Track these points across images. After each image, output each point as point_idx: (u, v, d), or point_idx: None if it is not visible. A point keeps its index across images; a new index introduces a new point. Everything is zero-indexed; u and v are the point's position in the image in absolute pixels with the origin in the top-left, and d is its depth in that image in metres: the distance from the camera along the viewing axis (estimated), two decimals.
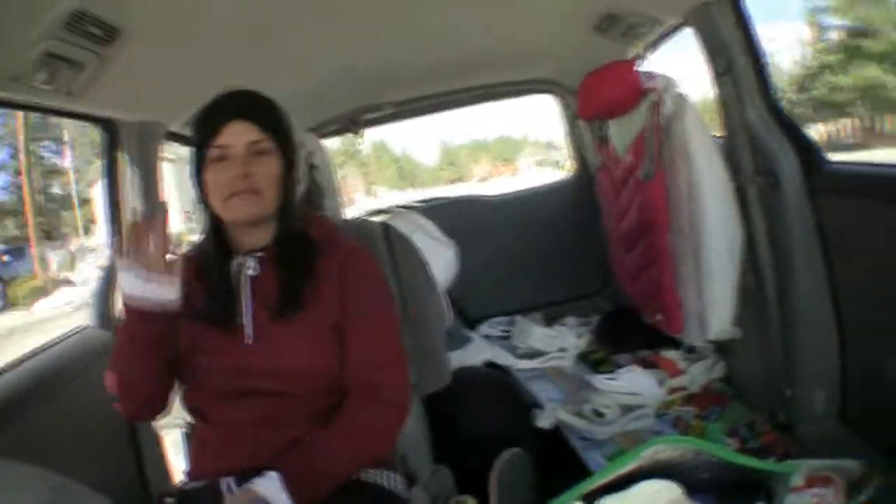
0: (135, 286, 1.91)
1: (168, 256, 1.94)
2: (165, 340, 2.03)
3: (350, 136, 5.51)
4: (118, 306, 3.09)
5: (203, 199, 2.13)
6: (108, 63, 2.52)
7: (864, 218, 2.86)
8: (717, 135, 3.47)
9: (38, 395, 2.49)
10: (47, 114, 2.81)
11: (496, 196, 5.85)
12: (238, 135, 2.05)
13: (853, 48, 26.74)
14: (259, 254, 2.17)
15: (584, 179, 5.40)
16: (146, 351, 2.01)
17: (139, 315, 1.95)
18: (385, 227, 2.84)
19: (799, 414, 3.23)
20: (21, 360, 2.64)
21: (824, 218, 3.04)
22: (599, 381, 4.01)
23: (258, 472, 1.95)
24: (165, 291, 1.93)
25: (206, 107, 2.14)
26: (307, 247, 2.20)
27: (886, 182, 2.82)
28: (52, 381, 2.62)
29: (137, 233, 1.92)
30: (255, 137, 2.06)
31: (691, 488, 2.20)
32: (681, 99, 3.50)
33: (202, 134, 2.09)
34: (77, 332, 3.09)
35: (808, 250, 3.08)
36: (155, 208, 3.30)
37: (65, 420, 2.60)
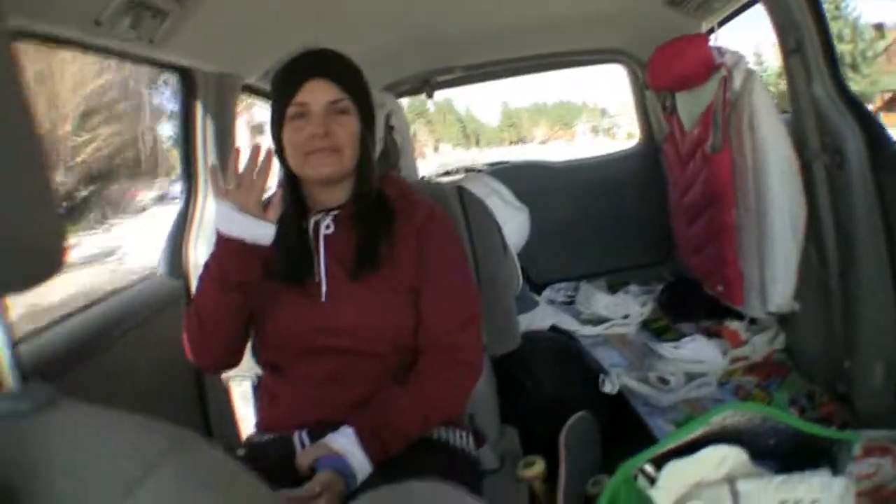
0: (234, 223, 1.98)
1: (265, 196, 2.02)
2: (252, 284, 2.08)
3: (418, 95, 5.59)
4: (189, 255, 3.22)
5: (281, 155, 2.17)
6: (189, 13, 2.57)
7: None
8: (785, 112, 3.49)
9: (105, 340, 2.54)
10: (128, 60, 2.85)
11: (563, 162, 5.88)
12: (317, 93, 2.09)
13: None
14: (335, 212, 2.21)
15: (651, 149, 5.43)
16: (233, 292, 2.06)
17: (234, 252, 2.01)
18: (460, 189, 2.86)
19: (857, 386, 3.25)
20: (91, 304, 2.69)
21: (888, 196, 3.05)
22: (664, 348, 4.06)
23: (332, 426, 2.01)
24: (263, 231, 1.99)
25: (286, 64, 2.20)
26: (384, 206, 2.23)
27: None
28: (121, 326, 2.67)
29: (242, 172, 1.99)
30: (335, 96, 2.11)
31: (756, 454, 2.23)
32: (749, 75, 3.52)
33: (282, 91, 2.14)
34: (147, 279, 3.17)
35: (871, 227, 3.09)
36: (228, 159, 3.39)
37: (131, 367, 2.67)
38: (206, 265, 2.13)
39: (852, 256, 3.19)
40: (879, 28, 24.99)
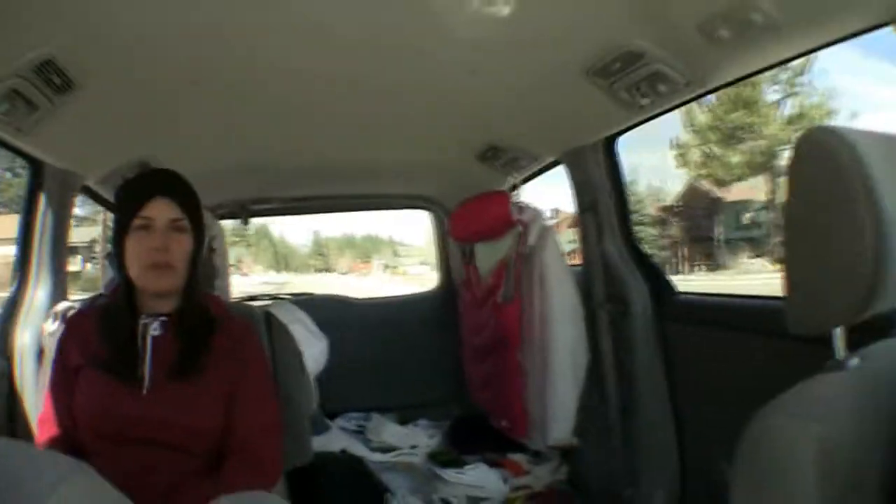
0: None
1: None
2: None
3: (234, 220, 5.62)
4: (16, 339, 3.24)
5: (119, 262, 2.32)
6: (57, 111, 2.75)
7: (705, 341, 3.13)
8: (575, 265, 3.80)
9: None
10: None
11: (364, 300, 6.04)
12: (161, 210, 2.27)
13: None
14: (163, 318, 2.34)
15: (447, 293, 5.67)
16: None
17: None
18: (268, 314, 3.03)
19: None
20: None
21: (670, 341, 3.33)
22: (448, 473, 4.25)
23: None
24: None
25: (134, 180, 2.41)
26: (207, 319, 2.41)
27: (729, 311, 3.14)
28: None
29: None
30: (176, 215, 2.29)
31: None
32: (544, 231, 3.83)
33: (128, 203, 2.30)
34: None
35: (653, 370, 3.36)
36: (60, 254, 3.45)
37: None
38: None
39: (634, 397, 3.43)
40: None
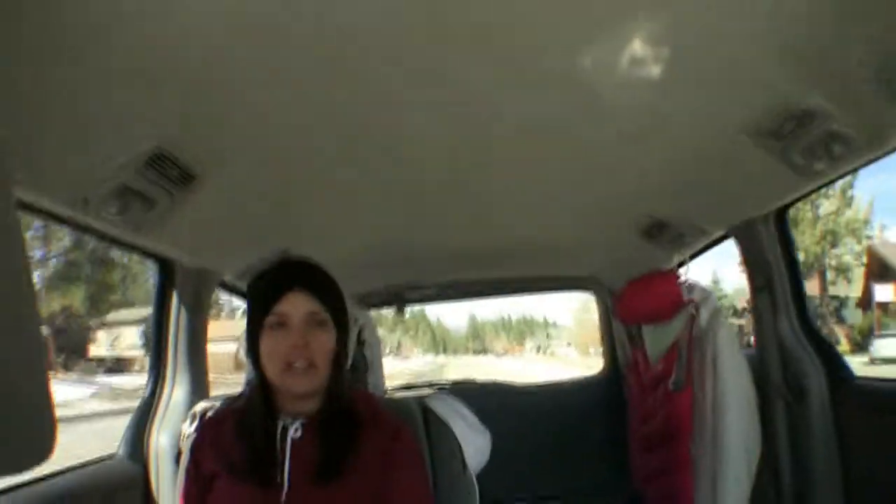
0: None
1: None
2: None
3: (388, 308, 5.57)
4: (152, 442, 3.18)
5: (256, 363, 2.17)
6: (177, 205, 2.64)
7: (887, 431, 2.88)
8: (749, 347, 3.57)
9: None
10: (109, 242, 2.86)
11: (527, 385, 5.91)
12: (298, 304, 2.10)
13: None
14: (304, 419, 2.17)
15: (614, 377, 5.48)
16: None
17: None
18: (424, 408, 2.88)
19: None
20: (44, 477, 2.62)
21: (847, 430, 3.08)
22: None
23: None
24: None
25: (266, 273, 2.23)
26: (353, 419, 2.20)
27: None
28: None
29: None
30: (314, 308, 2.12)
31: None
32: (716, 311, 3.62)
33: (261, 300, 2.14)
34: (104, 460, 3.11)
35: (829, 461, 3.11)
36: (198, 352, 3.41)
37: None
38: None
39: (809, 489, 3.19)
40: None
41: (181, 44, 1.90)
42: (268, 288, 2.17)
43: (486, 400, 4.03)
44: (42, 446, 0.75)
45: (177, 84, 2.09)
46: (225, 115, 2.31)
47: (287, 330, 2.11)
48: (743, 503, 3.40)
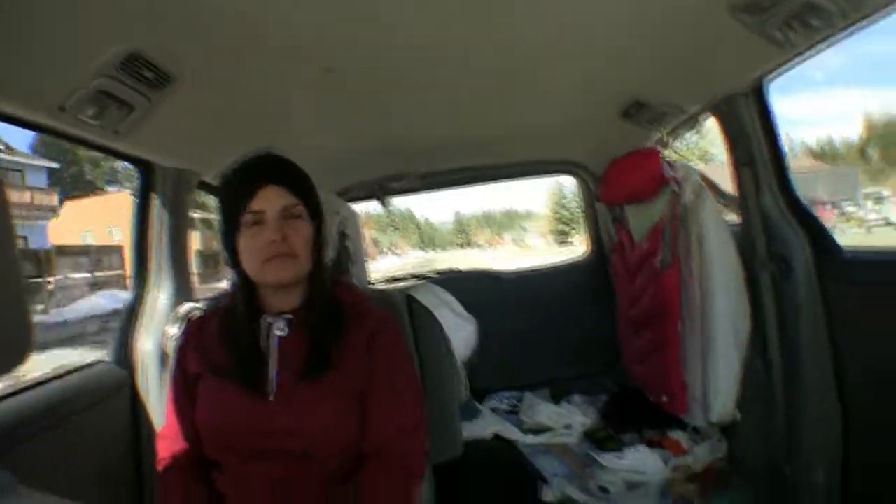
0: None
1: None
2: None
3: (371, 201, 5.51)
4: (136, 346, 3.18)
5: (235, 262, 2.17)
6: (155, 108, 2.61)
7: (874, 303, 2.89)
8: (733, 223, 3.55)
9: (45, 423, 2.49)
10: (89, 148, 2.79)
11: (511, 272, 5.90)
12: (272, 199, 2.10)
13: None
14: (288, 315, 2.18)
15: (598, 260, 5.50)
16: None
17: None
18: (409, 298, 2.85)
19: (800, 492, 3.25)
20: (33, 385, 2.64)
21: (835, 304, 3.08)
22: (605, 458, 4.06)
23: None
24: None
25: (236, 172, 2.20)
26: (336, 311, 2.22)
27: None
28: (62, 411, 2.62)
29: None
30: (288, 202, 2.12)
31: None
32: (699, 187, 3.60)
33: (234, 199, 2.13)
34: (93, 365, 3.10)
35: (817, 336, 3.11)
36: (179, 254, 3.39)
37: (69, 452, 2.60)
38: None
39: (797, 365, 3.21)
40: None
41: None
42: (240, 186, 2.15)
43: (471, 288, 4.01)
44: (20, 349, 0.81)
45: None
46: (199, 14, 2.24)
47: (263, 226, 2.10)
48: (733, 379, 3.44)
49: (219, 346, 2.16)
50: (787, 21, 2.54)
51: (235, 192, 2.15)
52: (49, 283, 33.64)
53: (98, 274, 38.42)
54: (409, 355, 2.44)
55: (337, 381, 2.11)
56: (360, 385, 2.14)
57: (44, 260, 34.17)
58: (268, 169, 2.18)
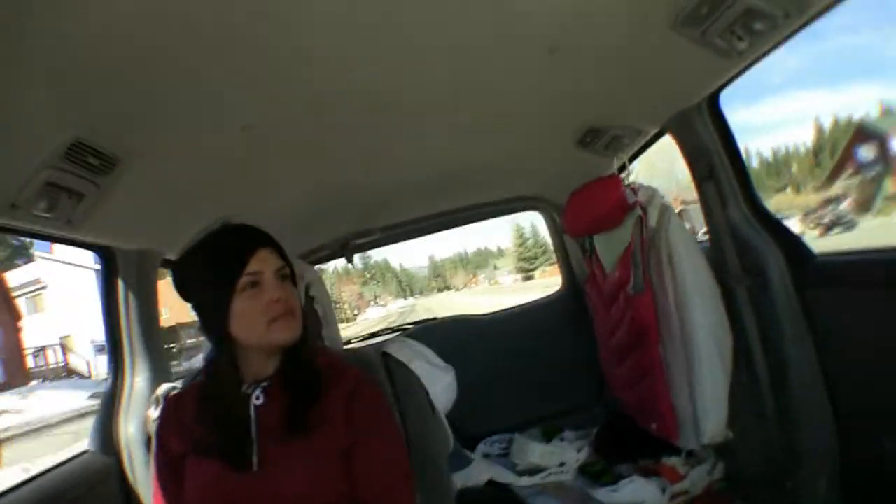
0: None
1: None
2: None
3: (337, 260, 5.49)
4: (121, 432, 3.15)
5: (223, 331, 2.11)
6: (105, 192, 2.58)
7: (853, 307, 2.89)
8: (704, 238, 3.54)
9: None
10: (47, 241, 2.83)
11: (488, 315, 5.87)
12: (268, 261, 2.10)
13: None
14: (265, 383, 2.15)
15: (573, 293, 5.47)
16: None
17: None
18: (384, 355, 2.83)
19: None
20: (21, 484, 2.62)
21: (815, 311, 3.07)
22: (602, 493, 4.02)
23: None
24: None
25: (221, 241, 2.17)
26: (313, 374, 2.19)
27: (873, 269, 2.88)
28: None
29: None
30: (280, 264, 2.13)
31: None
32: (664, 209, 3.59)
33: (227, 264, 2.09)
34: (77, 457, 3.06)
35: (800, 344, 3.10)
36: (152, 335, 3.35)
37: None
38: None
39: (785, 376, 3.18)
40: None
41: (90, 40, 1.87)
42: (232, 251, 2.13)
43: (450, 335, 4.00)
44: None
45: (87, 79, 2.05)
46: (133, 97, 2.24)
47: (261, 288, 2.09)
48: (720, 397, 3.40)
49: (198, 424, 2.11)
50: (730, 28, 2.55)
51: (227, 258, 2.12)
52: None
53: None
54: (390, 410, 2.40)
55: (318, 443, 2.08)
56: (343, 444, 2.11)
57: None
58: (255, 232, 2.18)
